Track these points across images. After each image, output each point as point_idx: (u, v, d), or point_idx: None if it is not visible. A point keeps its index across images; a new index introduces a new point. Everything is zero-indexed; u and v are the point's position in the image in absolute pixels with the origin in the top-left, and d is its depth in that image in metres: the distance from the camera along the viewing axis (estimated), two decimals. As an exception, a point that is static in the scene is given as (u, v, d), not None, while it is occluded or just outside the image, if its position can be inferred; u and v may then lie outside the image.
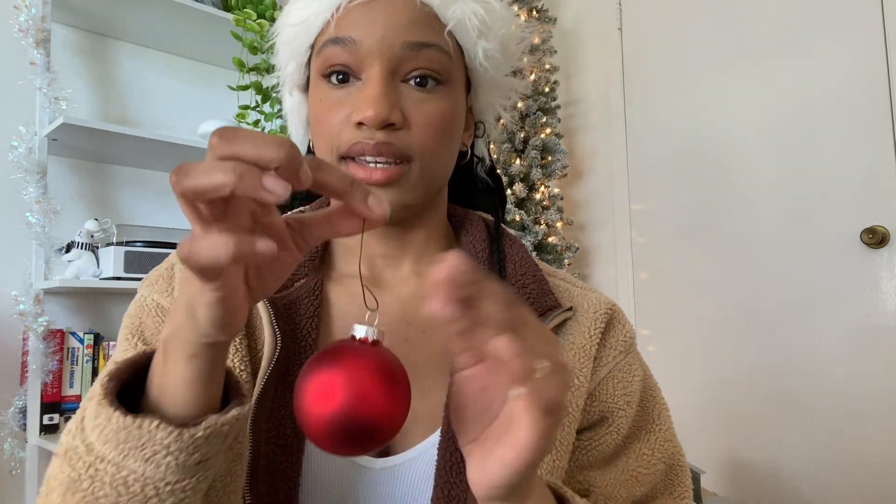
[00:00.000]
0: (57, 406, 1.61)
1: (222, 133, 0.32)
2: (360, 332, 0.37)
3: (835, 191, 1.73)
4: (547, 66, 2.28)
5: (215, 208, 0.31)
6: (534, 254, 2.10)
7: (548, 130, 2.19)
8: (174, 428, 0.35)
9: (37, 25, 1.59)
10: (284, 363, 0.51)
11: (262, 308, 0.52)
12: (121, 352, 0.54)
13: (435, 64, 0.52)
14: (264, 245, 0.31)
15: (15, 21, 1.59)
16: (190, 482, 0.36)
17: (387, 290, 0.59)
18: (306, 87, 0.59)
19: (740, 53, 1.96)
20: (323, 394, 0.34)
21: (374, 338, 0.37)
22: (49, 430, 1.59)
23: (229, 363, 0.51)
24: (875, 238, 1.63)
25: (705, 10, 2.06)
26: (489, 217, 0.68)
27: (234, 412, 0.38)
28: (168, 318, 0.39)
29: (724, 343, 1.94)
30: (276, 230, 0.36)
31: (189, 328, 0.35)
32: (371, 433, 0.35)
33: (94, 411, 0.37)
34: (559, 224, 2.18)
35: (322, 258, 0.59)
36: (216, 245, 0.30)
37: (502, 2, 0.56)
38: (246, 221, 0.33)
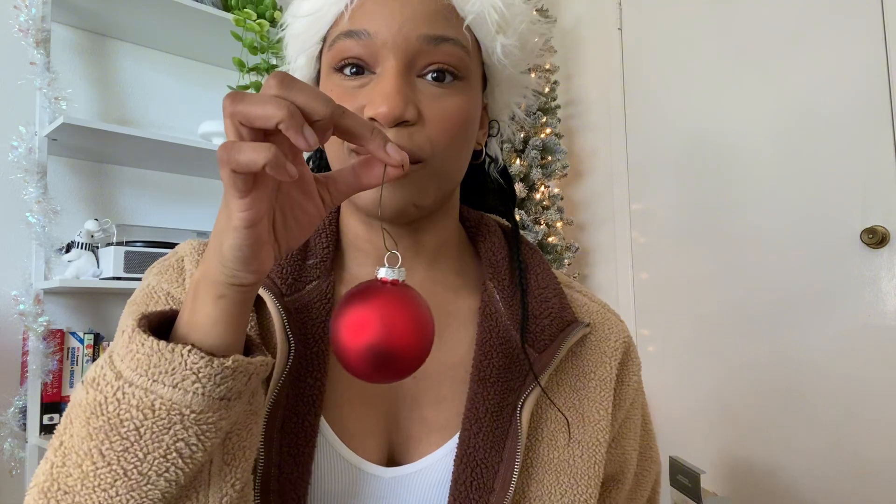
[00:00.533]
0: (57, 406, 1.61)
1: (282, 77, 0.35)
2: (383, 273, 0.41)
3: (835, 191, 1.73)
4: (547, 66, 2.28)
5: (256, 138, 0.35)
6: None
7: (548, 130, 2.19)
8: (205, 353, 0.36)
9: (37, 25, 1.59)
10: (296, 369, 0.50)
11: (274, 313, 0.51)
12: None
13: (453, 59, 0.50)
14: (293, 169, 0.34)
15: (15, 21, 1.59)
16: (212, 416, 0.37)
17: None
18: (317, 82, 0.57)
19: (740, 53, 1.96)
20: (357, 328, 0.38)
21: (396, 277, 0.41)
22: (49, 430, 1.59)
23: None
24: (875, 238, 1.63)
25: (705, 10, 2.06)
26: (503, 222, 0.66)
27: (259, 357, 0.40)
28: (198, 265, 0.40)
29: (724, 343, 1.94)
30: (303, 179, 0.40)
31: (217, 267, 0.37)
32: (401, 361, 0.39)
33: (126, 340, 0.37)
34: (559, 224, 2.18)
35: (334, 260, 0.58)
36: (257, 148, 0.33)
37: None
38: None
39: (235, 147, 0.33)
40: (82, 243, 1.65)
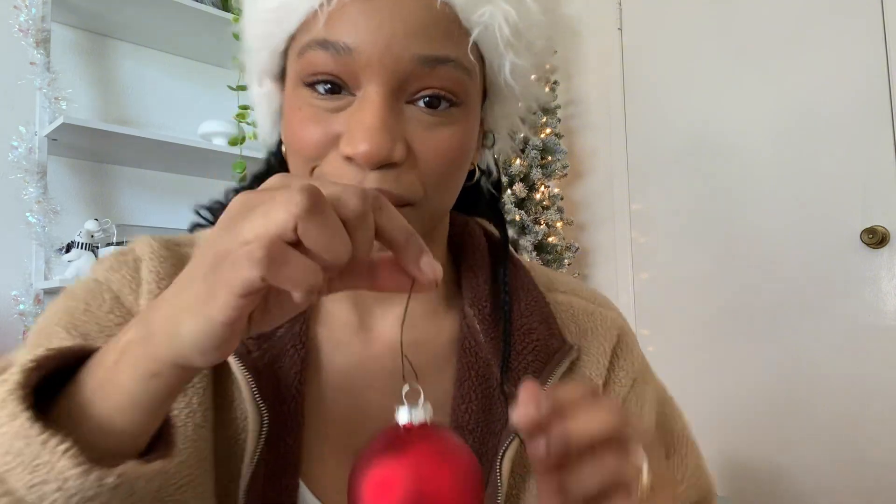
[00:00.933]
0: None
1: (381, 203, 0.30)
2: (404, 416, 0.32)
3: (835, 191, 1.73)
4: (547, 67, 2.28)
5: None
6: (533, 255, 2.10)
7: (548, 130, 2.19)
8: (84, 461, 0.28)
9: (37, 25, 1.59)
10: (273, 434, 0.44)
11: (241, 380, 0.43)
12: (48, 343, 0.40)
13: (451, 83, 0.41)
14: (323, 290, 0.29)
15: (15, 21, 1.59)
16: None
17: (376, 336, 0.50)
18: (281, 76, 0.47)
19: (740, 53, 1.96)
20: (381, 493, 0.30)
21: (423, 419, 0.32)
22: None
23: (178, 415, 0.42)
24: (875, 238, 1.63)
25: (705, 10, 2.06)
26: (490, 229, 0.58)
27: (157, 464, 0.31)
28: (138, 319, 0.31)
29: (724, 343, 1.94)
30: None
31: (164, 343, 0.29)
32: None
33: (1, 396, 0.29)
34: (559, 224, 2.18)
35: None
36: (309, 271, 0.27)
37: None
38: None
39: (286, 256, 0.27)
40: (82, 243, 1.65)
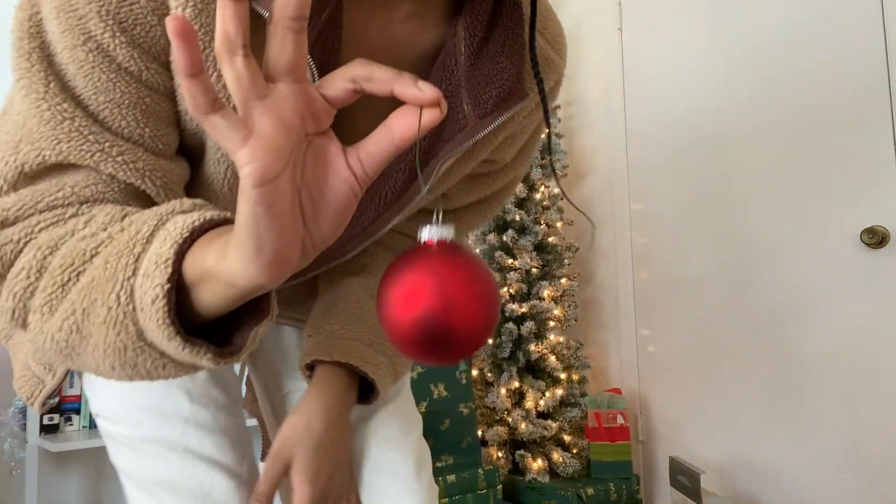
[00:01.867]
0: (57, 406, 1.61)
1: None
2: (427, 233, 0.34)
3: (835, 191, 1.73)
4: (547, 66, 2.28)
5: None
6: (533, 254, 2.10)
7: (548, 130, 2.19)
8: (220, 359, 0.36)
9: (37, 25, 1.59)
10: None
11: None
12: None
13: None
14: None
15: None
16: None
17: (369, 30, 0.47)
18: None
19: (740, 53, 1.96)
20: (408, 298, 0.33)
21: (443, 237, 0.34)
22: (49, 430, 1.59)
23: None
24: (875, 238, 1.63)
25: (705, 10, 2.06)
26: None
27: (264, 326, 0.37)
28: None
29: (724, 343, 1.94)
30: (320, 146, 0.32)
31: (222, 254, 0.32)
32: (456, 341, 0.34)
33: (155, 314, 0.33)
34: (559, 224, 2.18)
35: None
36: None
37: None
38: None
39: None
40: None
